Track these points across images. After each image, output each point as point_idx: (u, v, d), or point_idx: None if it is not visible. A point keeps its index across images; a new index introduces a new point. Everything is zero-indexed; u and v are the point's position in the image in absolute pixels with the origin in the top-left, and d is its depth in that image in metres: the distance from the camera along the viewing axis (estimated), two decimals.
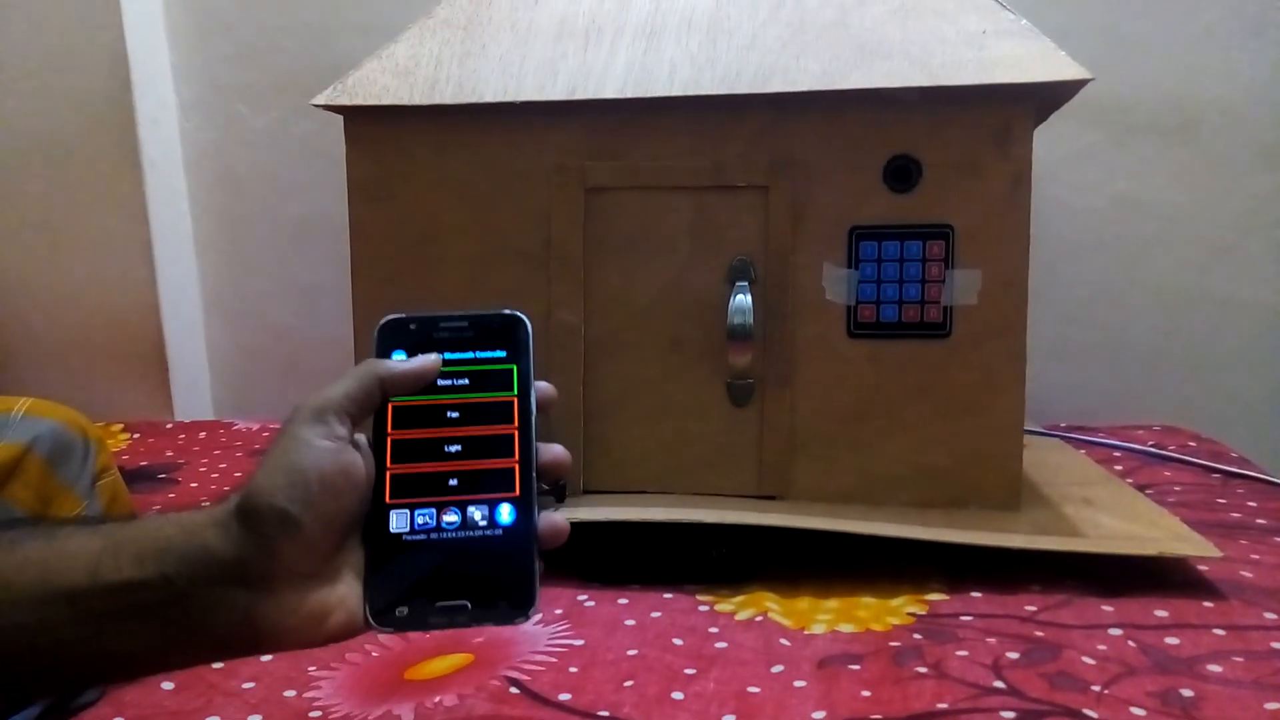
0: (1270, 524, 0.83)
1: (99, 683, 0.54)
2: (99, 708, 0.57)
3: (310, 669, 0.61)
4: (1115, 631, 0.63)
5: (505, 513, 0.39)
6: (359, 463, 0.39)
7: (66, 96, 1.34)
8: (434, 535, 0.39)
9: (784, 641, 0.63)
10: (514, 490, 0.40)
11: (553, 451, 0.41)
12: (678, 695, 0.56)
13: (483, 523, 0.39)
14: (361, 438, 0.40)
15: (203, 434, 1.28)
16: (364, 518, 0.39)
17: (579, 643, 0.63)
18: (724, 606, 0.69)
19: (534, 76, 0.79)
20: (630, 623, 0.66)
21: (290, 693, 0.58)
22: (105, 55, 1.32)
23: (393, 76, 0.80)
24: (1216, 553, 0.69)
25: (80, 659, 0.37)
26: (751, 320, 0.78)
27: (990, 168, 0.76)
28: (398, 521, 0.39)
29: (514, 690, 0.57)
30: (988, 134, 0.76)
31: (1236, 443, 1.09)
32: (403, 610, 0.38)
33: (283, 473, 0.37)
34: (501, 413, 0.41)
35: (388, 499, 0.39)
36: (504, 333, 0.42)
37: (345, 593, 0.38)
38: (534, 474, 0.40)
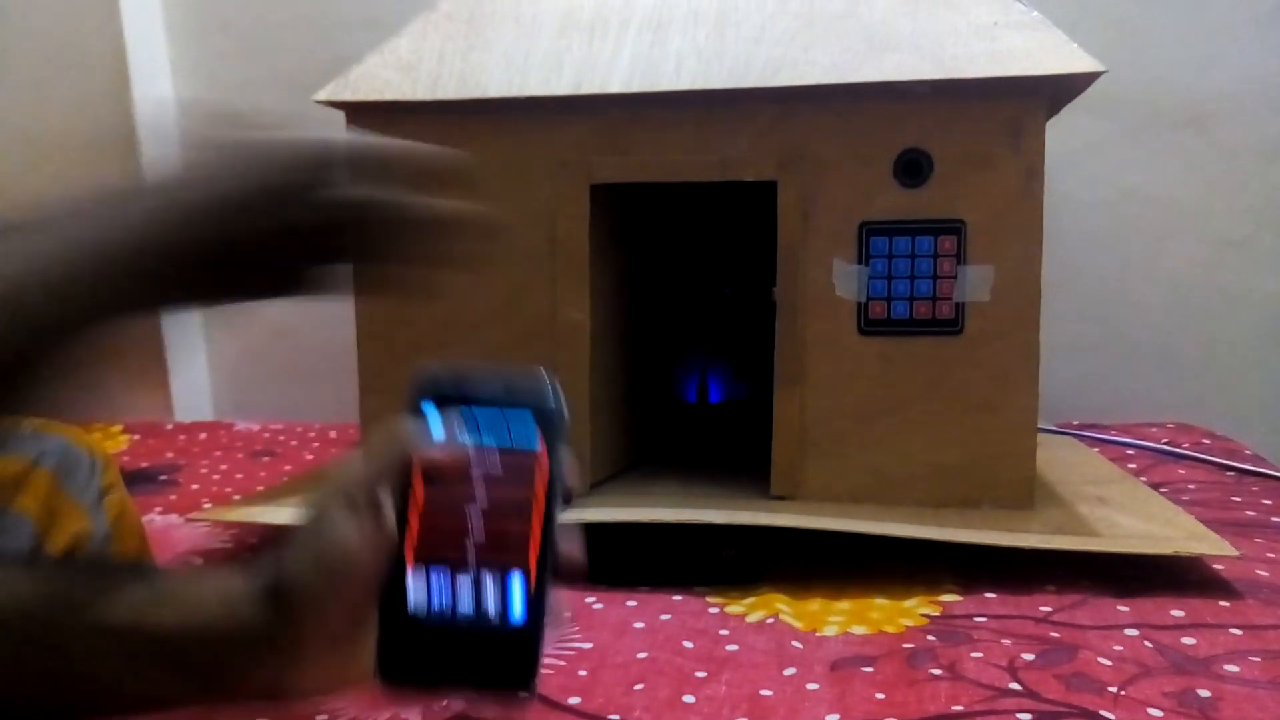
0: None
1: (127, 714, 0.56)
2: None
3: None
4: (1131, 632, 0.62)
5: (517, 591, 0.39)
6: (385, 538, 0.39)
7: (65, 94, 1.33)
8: (446, 603, 0.39)
9: (796, 644, 0.62)
10: (529, 570, 0.39)
11: (569, 539, 0.41)
12: (689, 698, 0.55)
13: (494, 598, 0.39)
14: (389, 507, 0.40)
15: (203, 435, 1.28)
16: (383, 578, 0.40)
17: (588, 645, 0.62)
18: (734, 608, 0.68)
19: (538, 70, 0.78)
20: (639, 625, 0.65)
21: None
22: (104, 52, 1.31)
23: (395, 71, 0.80)
24: (1233, 551, 0.68)
25: (115, 693, 0.39)
26: None
27: (1002, 161, 0.75)
28: (414, 584, 0.39)
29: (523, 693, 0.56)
30: (1000, 127, 0.75)
31: (1251, 440, 1.08)
32: (409, 670, 0.38)
33: (311, 553, 0.38)
34: (527, 489, 0.40)
35: (408, 562, 0.39)
36: (541, 400, 0.41)
37: (365, 654, 0.39)
38: (550, 558, 0.40)
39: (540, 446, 0.40)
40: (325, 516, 0.38)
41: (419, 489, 0.40)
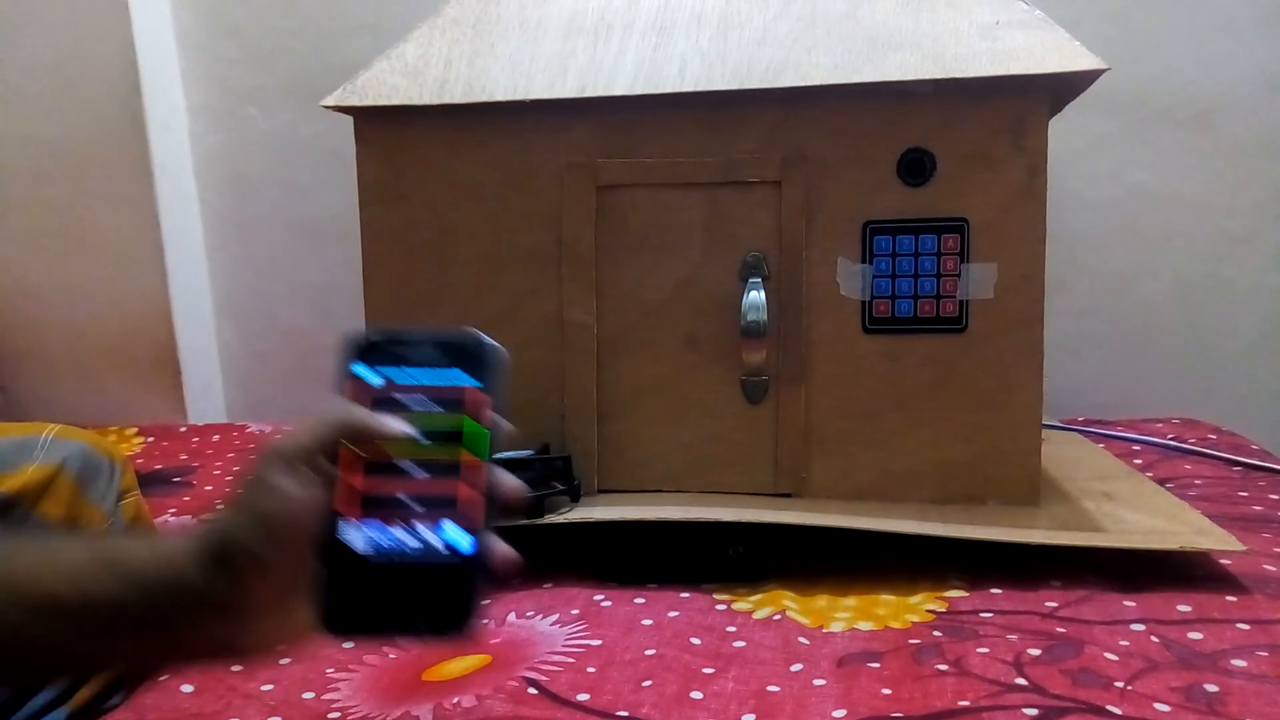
0: None
1: (88, 675, 0.58)
2: (121, 711, 0.57)
3: (328, 671, 0.61)
4: (1138, 627, 0.62)
5: (456, 536, 0.40)
6: (322, 495, 0.40)
7: (77, 102, 1.34)
8: (385, 550, 0.40)
9: (802, 640, 0.63)
10: (467, 515, 0.40)
11: (509, 482, 0.42)
12: (696, 695, 0.56)
13: (434, 544, 0.40)
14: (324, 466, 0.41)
15: (216, 437, 1.29)
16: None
17: (596, 643, 0.63)
18: (741, 605, 0.69)
19: (544, 74, 0.79)
20: (647, 622, 0.66)
21: (309, 694, 0.58)
22: (115, 60, 1.32)
23: (402, 76, 0.80)
24: (1240, 546, 0.69)
25: (69, 658, 0.41)
26: (765, 317, 0.77)
27: (1005, 160, 0.75)
28: (354, 534, 0.40)
29: (532, 690, 0.57)
30: (1002, 126, 0.75)
31: (1257, 435, 1.08)
32: (350, 618, 0.39)
33: (251, 517, 0.39)
34: (463, 438, 0.41)
35: (348, 515, 0.40)
36: (472, 356, 0.42)
37: (308, 608, 0.40)
38: (489, 500, 0.40)
39: (471, 391, 0.41)
40: (263, 480, 0.39)
41: (354, 444, 0.41)
